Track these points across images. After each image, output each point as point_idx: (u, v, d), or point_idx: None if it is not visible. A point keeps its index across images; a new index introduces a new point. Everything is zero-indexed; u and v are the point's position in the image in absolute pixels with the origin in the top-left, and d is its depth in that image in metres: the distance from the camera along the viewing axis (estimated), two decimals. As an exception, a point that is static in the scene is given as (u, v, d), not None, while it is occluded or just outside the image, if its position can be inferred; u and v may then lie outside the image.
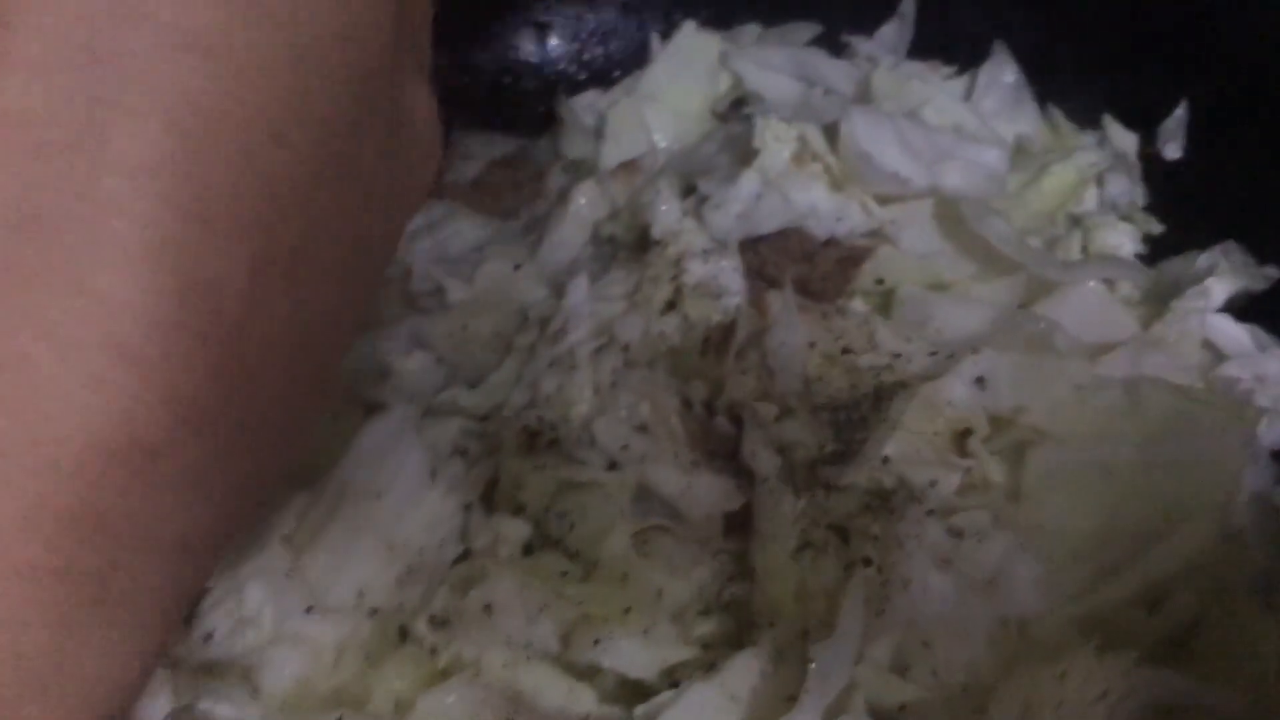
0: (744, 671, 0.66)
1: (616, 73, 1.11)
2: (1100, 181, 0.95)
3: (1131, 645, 0.68)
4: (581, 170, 1.03)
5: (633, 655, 0.67)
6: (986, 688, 0.67)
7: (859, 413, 0.75)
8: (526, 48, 1.13)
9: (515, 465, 0.74)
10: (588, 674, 0.68)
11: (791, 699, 0.65)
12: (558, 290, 0.88)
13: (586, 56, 1.13)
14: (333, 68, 0.36)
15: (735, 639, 0.69)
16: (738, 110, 1.06)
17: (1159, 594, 0.71)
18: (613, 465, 0.74)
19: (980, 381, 0.76)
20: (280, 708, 0.65)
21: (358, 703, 0.66)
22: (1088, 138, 0.97)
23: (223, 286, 0.33)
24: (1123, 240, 0.91)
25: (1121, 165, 0.95)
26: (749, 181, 0.88)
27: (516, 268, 0.94)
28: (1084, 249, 0.92)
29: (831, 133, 0.91)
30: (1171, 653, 0.70)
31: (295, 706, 0.65)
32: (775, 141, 0.90)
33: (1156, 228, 0.93)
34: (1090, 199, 0.95)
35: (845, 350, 0.77)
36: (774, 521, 0.70)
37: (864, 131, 0.88)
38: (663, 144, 1.04)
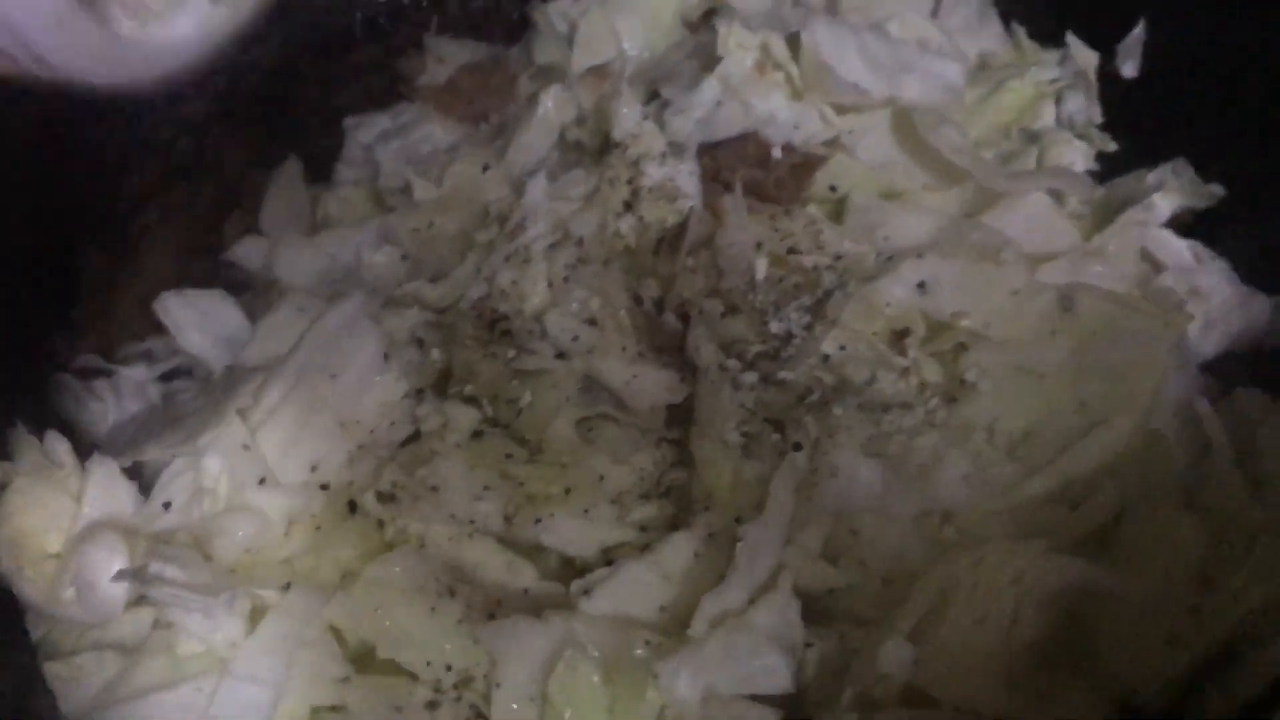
0: (677, 551, 0.69)
1: (590, -21, 1.11)
2: (1059, 98, 0.96)
3: (1054, 539, 0.71)
4: (551, 76, 1.04)
5: (572, 534, 0.71)
6: (910, 575, 0.71)
7: (802, 309, 0.77)
8: (502, -49, 1.14)
9: (468, 354, 0.77)
10: (529, 551, 0.71)
11: (722, 578, 0.68)
12: (522, 191, 0.90)
13: (560, -38, 1.13)
14: None
15: (672, 523, 0.72)
16: (708, 20, 1.07)
17: (1083, 491, 0.73)
18: (562, 356, 0.77)
19: (922, 286, 0.79)
20: (231, 572, 0.68)
21: (306, 572, 0.69)
22: (1049, 55, 0.98)
23: None
24: (1075, 157, 0.92)
25: (1080, 83, 0.96)
26: (710, 88, 0.90)
27: (485, 169, 0.96)
28: (1039, 163, 0.93)
29: (795, 42, 0.92)
30: (1094, 547, 0.73)
31: (246, 573, 0.69)
32: (738, 49, 0.91)
33: (1111, 145, 0.95)
34: (1048, 115, 0.96)
35: (791, 251, 0.79)
36: (713, 412, 0.73)
37: (826, 41, 0.89)
38: (633, 52, 1.05)
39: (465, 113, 1.06)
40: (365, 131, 1.06)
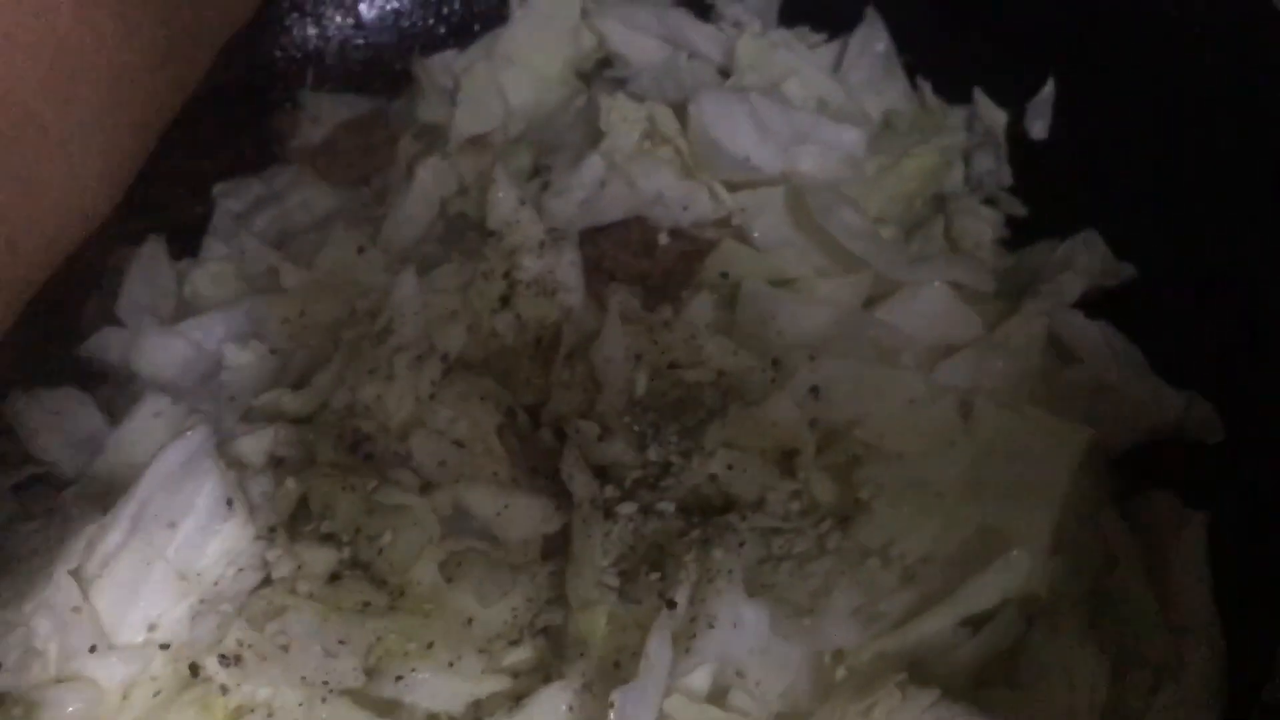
0: (549, 706, 0.64)
1: (476, 27, 1.05)
2: (967, 159, 0.92)
3: (951, 667, 0.67)
4: (435, 136, 0.98)
5: (437, 689, 0.65)
6: (803, 716, 0.67)
7: (683, 433, 0.72)
8: (380, -2, 1.07)
9: (327, 484, 0.71)
10: (390, 709, 0.66)
11: (599, 732, 0.64)
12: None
13: (445, 10, 1.06)
14: None
15: (545, 669, 0.67)
16: (601, 71, 1.01)
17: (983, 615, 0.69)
18: (427, 486, 0.71)
19: (815, 391, 0.74)
20: (60, 753, 0.62)
21: (143, 746, 0.64)
22: (956, 114, 0.93)
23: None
24: (984, 226, 0.88)
25: (989, 143, 0.92)
26: (593, 166, 0.84)
27: (360, 251, 0.89)
28: (945, 232, 0.89)
29: (683, 112, 0.86)
30: (995, 672, 0.69)
31: (77, 751, 0.63)
32: (623, 122, 0.86)
33: (1020, 210, 0.90)
34: (956, 177, 0.91)
35: (672, 365, 0.74)
36: (588, 549, 0.68)
37: (714, 115, 0.84)
38: (521, 108, 0.99)
39: (344, 175, 1.00)
40: (236, 199, 0.99)
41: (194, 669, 0.65)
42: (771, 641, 0.66)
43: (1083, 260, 0.83)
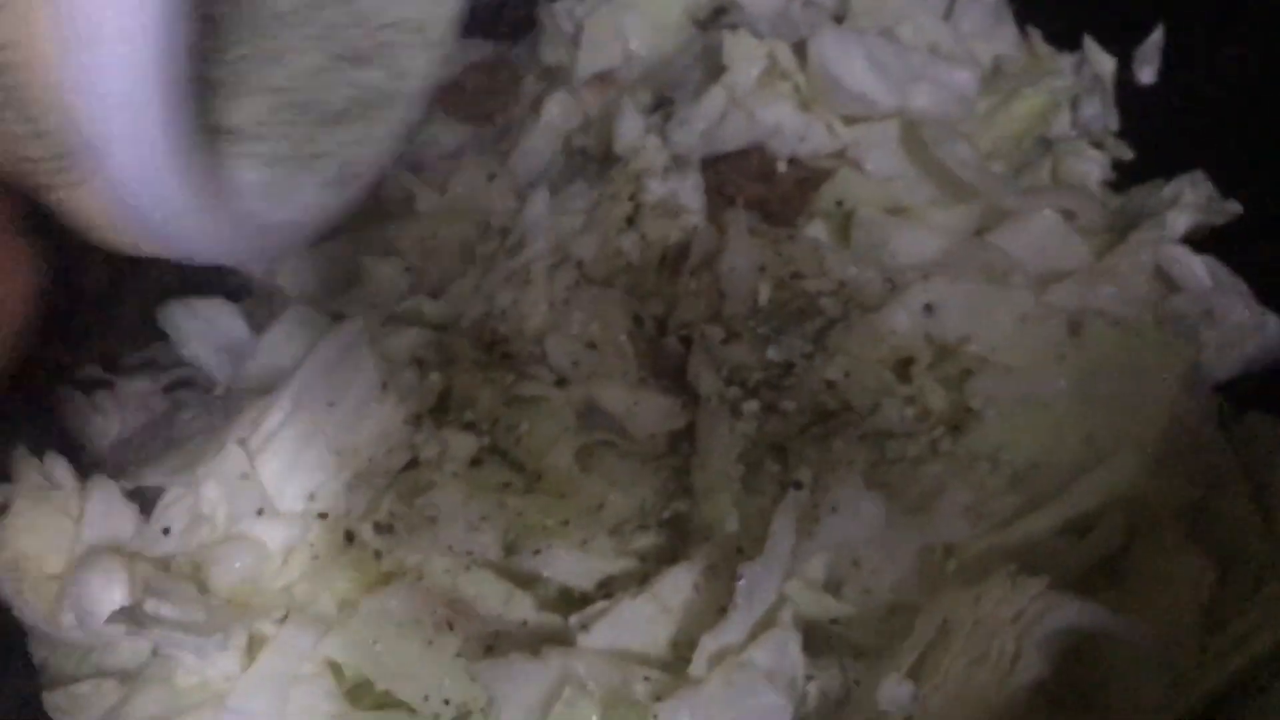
0: (677, 584, 0.69)
1: (598, -25, 1.09)
2: (1074, 104, 0.94)
3: (1058, 570, 0.70)
4: (557, 78, 1.03)
5: (570, 565, 0.70)
6: (913, 607, 0.70)
7: (805, 337, 0.76)
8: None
9: (468, 379, 0.76)
10: (527, 582, 0.70)
11: (723, 611, 0.67)
12: (525, 202, 0.89)
13: (568, -41, 1.11)
14: None
15: (672, 554, 0.71)
16: (717, 19, 1.05)
17: (1089, 521, 0.72)
18: (562, 381, 0.76)
19: (929, 308, 0.77)
20: (227, 604, 0.68)
21: (305, 601, 0.69)
22: (1065, 60, 0.96)
23: None
24: (1091, 167, 0.90)
25: (1097, 88, 0.94)
26: (715, 98, 0.88)
27: (490, 178, 0.94)
28: (1053, 174, 0.92)
29: (802, 50, 0.90)
30: (1100, 579, 0.72)
31: (243, 602, 0.69)
32: (744, 59, 0.89)
33: (1127, 154, 0.93)
34: (1063, 122, 0.94)
35: (795, 275, 0.78)
36: (714, 442, 0.72)
37: (833, 52, 0.87)
38: (640, 52, 1.04)
39: (470, 113, 1.05)
40: (369, 133, 1.05)
41: (349, 536, 0.71)
42: (887, 535, 0.70)
43: (1189, 197, 0.85)
